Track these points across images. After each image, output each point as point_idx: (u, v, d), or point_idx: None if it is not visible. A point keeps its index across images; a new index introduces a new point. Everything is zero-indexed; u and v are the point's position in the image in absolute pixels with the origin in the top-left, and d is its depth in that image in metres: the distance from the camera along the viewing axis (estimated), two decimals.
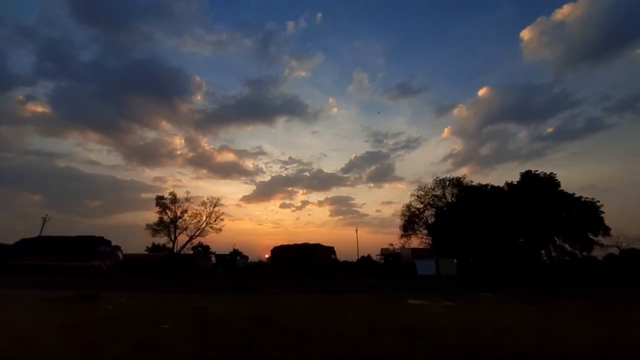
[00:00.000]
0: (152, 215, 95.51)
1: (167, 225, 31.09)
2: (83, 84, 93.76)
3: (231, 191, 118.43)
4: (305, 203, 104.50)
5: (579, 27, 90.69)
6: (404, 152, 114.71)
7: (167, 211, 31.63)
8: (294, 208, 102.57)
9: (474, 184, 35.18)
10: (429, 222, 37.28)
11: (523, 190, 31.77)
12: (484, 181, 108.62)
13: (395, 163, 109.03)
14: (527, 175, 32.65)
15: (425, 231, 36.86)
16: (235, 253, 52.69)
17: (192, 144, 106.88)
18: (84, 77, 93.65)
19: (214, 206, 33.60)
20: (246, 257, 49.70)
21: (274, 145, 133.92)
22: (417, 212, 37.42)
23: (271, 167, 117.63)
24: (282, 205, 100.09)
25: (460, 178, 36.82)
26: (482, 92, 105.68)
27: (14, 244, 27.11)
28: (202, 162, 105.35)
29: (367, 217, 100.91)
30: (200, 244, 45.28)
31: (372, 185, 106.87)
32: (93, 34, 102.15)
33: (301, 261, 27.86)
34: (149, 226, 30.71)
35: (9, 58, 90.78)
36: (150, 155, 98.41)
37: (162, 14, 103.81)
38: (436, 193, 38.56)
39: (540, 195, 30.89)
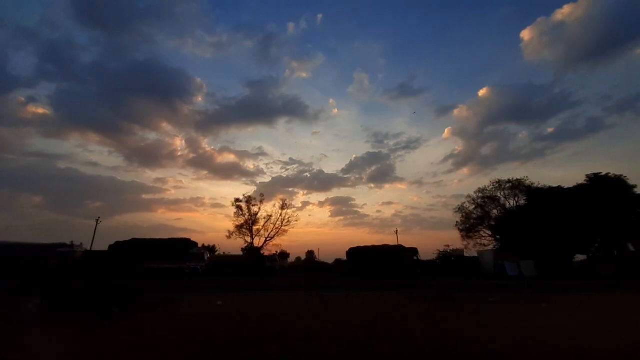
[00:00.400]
0: (154, 216, 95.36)
1: (245, 227, 31.83)
2: (84, 85, 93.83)
3: (232, 192, 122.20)
4: (305, 204, 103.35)
5: (579, 27, 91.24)
6: (405, 153, 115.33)
7: (244, 213, 32.35)
8: (295, 209, 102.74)
9: (539, 186, 35.71)
10: (487, 223, 37.99)
11: (592, 192, 32.36)
12: (484, 181, 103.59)
13: (396, 164, 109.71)
14: (594, 177, 33.26)
15: (489, 232, 37.52)
16: (282, 255, 53.28)
17: (192, 145, 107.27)
18: (85, 79, 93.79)
19: (286, 208, 34.07)
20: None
21: (275, 146, 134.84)
22: (479, 214, 38.02)
23: (272, 168, 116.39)
24: (283, 206, 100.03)
25: (522, 179, 37.37)
26: (482, 92, 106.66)
27: (110, 248, 27.59)
28: (202, 163, 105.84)
29: (367, 218, 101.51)
30: (248, 246, 45.59)
31: (372, 185, 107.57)
32: (94, 36, 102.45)
33: (385, 262, 28.40)
34: (236, 227, 31.63)
35: (10, 60, 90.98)
36: (151, 156, 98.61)
37: (163, 16, 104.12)
38: (494, 195, 39.16)
39: (609, 196, 31.51)
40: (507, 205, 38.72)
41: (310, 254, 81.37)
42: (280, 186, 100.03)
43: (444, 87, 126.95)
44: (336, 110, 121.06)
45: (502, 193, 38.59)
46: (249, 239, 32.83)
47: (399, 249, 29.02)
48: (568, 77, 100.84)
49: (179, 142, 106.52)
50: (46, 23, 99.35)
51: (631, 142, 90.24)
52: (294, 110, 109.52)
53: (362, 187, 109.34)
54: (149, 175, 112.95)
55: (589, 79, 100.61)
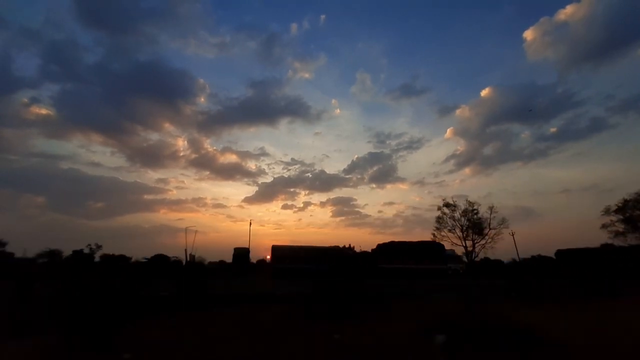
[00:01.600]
0: (156, 217, 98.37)
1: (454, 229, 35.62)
2: (87, 86, 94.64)
3: (233, 192, 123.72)
4: (307, 204, 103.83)
5: (582, 27, 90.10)
6: (407, 153, 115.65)
7: (452, 215, 35.97)
8: (296, 209, 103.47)
9: None
10: None
11: None
12: (486, 181, 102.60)
13: (398, 164, 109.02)
14: None
15: None
16: None
17: (195, 145, 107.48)
18: (89, 80, 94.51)
19: (492, 211, 37.03)
20: None
21: (277, 147, 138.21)
22: None
23: (273, 168, 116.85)
24: (284, 207, 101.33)
25: None
26: (485, 92, 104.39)
27: (377, 249, 31.46)
28: (204, 164, 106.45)
29: (369, 218, 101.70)
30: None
31: (374, 186, 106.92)
32: (98, 37, 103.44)
33: (605, 266, 31.95)
34: (437, 226, 35.98)
35: (14, 60, 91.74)
36: (153, 157, 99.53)
37: (166, 16, 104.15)
38: None
39: None
40: None
41: None
42: (282, 186, 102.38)
43: (446, 87, 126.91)
44: (338, 111, 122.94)
45: None
46: (457, 241, 36.37)
47: (619, 249, 32.28)
48: (571, 76, 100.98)
49: (181, 143, 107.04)
50: (50, 24, 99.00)
51: (634, 142, 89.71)
52: (296, 110, 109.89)
53: (363, 187, 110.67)
54: (151, 176, 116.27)
55: (592, 78, 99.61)
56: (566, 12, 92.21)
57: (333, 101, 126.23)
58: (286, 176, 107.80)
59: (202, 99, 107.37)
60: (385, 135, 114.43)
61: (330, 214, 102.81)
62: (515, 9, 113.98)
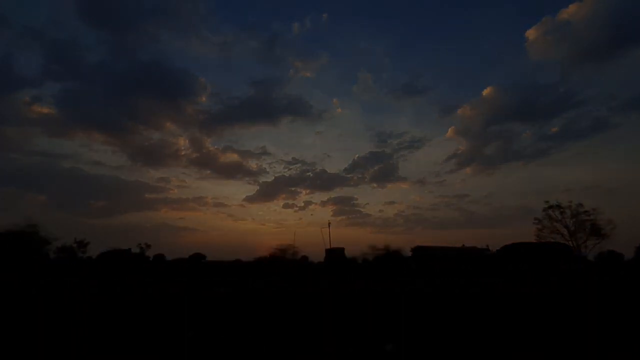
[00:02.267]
0: (157, 215, 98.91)
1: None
2: (89, 85, 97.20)
3: (234, 191, 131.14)
4: (308, 203, 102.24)
5: (584, 27, 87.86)
6: (408, 152, 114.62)
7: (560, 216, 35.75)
8: (297, 208, 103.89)
9: None
10: None
11: None
12: (487, 181, 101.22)
13: (399, 163, 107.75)
14: None
15: None
16: None
17: (196, 144, 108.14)
18: (90, 79, 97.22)
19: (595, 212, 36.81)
20: None
21: (278, 146, 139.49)
22: None
23: (274, 167, 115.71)
24: (285, 206, 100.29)
25: None
26: (486, 91, 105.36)
27: (501, 250, 31.18)
28: (206, 163, 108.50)
29: (370, 217, 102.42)
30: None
31: (375, 185, 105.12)
32: (100, 36, 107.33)
33: None
34: (539, 227, 35.17)
35: (16, 60, 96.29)
36: (155, 155, 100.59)
37: (168, 16, 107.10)
38: None
39: None
40: None
41: None
42: (282, 185, 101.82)
43: (448, 86, 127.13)
44: (339, 110, 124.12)
45: None
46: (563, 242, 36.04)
47: None
48: (573, 76, 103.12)
49: (182, 142, 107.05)
50: (52, 23, 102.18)
51: (636, 141, 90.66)
52: (297, 109, 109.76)
53: (364, 187, 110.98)
54: (152, 175, 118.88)
55: (594, 78, 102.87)
56: (568, 12, 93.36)
57: (334, 100, 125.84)
58: (287, 175, 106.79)
59: (204, 98, 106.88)
60: (387, 134, 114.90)
61: (331, 213, 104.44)
62: (517, 8, 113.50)
